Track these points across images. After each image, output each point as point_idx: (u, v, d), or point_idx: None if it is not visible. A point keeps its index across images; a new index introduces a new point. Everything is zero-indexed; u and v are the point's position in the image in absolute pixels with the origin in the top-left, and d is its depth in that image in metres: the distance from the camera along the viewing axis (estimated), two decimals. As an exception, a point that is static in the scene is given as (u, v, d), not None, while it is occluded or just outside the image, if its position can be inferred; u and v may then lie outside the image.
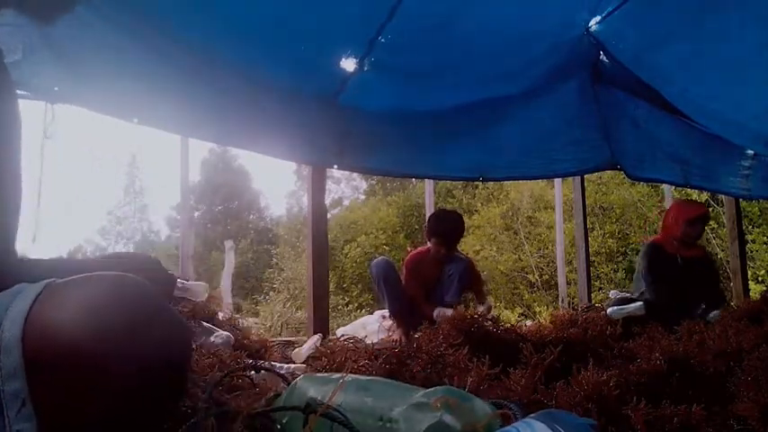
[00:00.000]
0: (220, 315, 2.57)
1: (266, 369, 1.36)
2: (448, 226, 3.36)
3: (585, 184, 4.56)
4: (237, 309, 10.41)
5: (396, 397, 0.90)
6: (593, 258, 10.10)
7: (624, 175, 4.03)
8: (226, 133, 2.88)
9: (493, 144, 3.56)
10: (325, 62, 2.72)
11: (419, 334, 1.88)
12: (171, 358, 0.63)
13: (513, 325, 2.26)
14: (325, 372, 1.40)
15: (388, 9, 2.33)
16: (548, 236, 11.72)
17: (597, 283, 10.48)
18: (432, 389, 0.91)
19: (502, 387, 1.38)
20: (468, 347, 1.60)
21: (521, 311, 11.05)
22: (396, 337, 3.17)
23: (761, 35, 2.32)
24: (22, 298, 0.59)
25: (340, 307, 11.74)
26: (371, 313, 3.80)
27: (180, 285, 2.51)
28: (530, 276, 12.17)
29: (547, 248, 11.84)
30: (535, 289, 12.01)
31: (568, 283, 7.75)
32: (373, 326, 3.44)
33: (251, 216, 23.59)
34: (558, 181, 7.23)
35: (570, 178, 4.82)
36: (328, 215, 3.70)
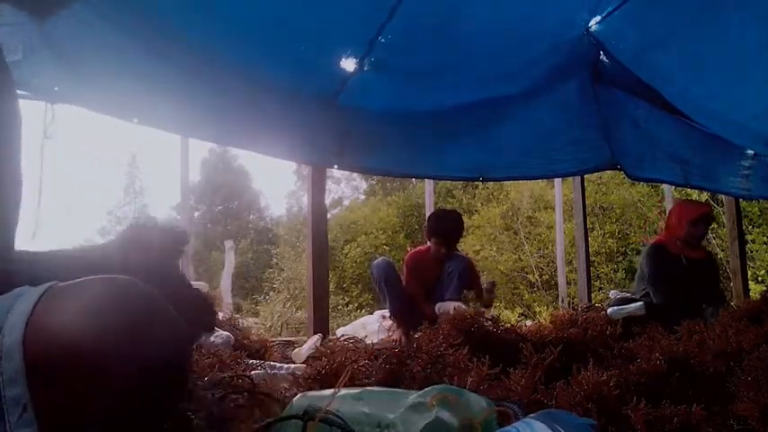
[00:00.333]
0: (220, 315, 2.57)
1: (262, 393, 1.34)
2: (448, 225, 3.37)
3: (585, 184, 4.56)
4: (237, 309, 10.40)
5: (391, 402, 0.90)
6: (593, 258, 10.09)
7: (624, 175, 4.04)
8: (226, 133, 2.88)
9: (493, 144, 3.56)
10: (326, 62, 2.72)
11: (419, 334, 1.88)
12: (171, 361, 0.63)
13: (513, 325, 2.26)
14: (325, 372, 1.40)
15: (388, 9, 2.33)
16: (548, 236, 11.72)
17: (597, 283, 10.48)
18: (427, 389, 0.91)
19: (502, 387, 1.38)
20: (468, 347, 1.60)
21: (521, 311, 11.04)
22: (396, 337, 3.17)
23: (761, 35, 2.32)
24: (22, 301, 0.59)
25: (340, 307, 11.74)
26: (371, 313, 3.80)
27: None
28: (530, 276, 12.17)
29: (547, 248, 11.84)
30: (535, 289, 12.01)
31: (568, 283, 7.75)
32: (373, 326, 3.44)
33: (251, 216, 23.59)
34: (557, 181, 7.24)
35: (570, 178, 4.82)
36: (328, 215, 3.70)
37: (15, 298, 0.60)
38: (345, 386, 0.97)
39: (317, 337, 2.93)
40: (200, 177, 22.52)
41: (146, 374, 0.58)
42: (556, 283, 9.13)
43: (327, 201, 3.59)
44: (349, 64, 2.73)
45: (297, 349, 2.73)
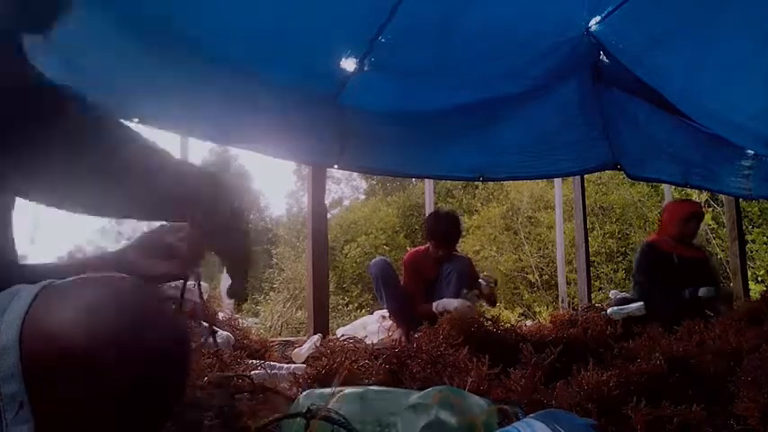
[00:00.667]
0: (220, 315, 2.57)
1: (272, 391, 1.36)
2: (445, 227, 3.37)
3: (585, 184, 4.56)
4: (237, 309, 10.40)
5: (392, 402, 0.91)
6: (593, 258, 10.09)
7: (624, 175, 4.04)
8: (226, 133, 2.88)
9: (493, 144, 3.56)
10: (326, 62, 2.72)
11: (419, 334, 1.88)
12: (170, 360, 0.63)
13: (513, 325, 2.26)
14: (325, 372, 1.40)
15: (388, 9, 2.33)
16: (548, 236, 11.71)
17: (597, 283, 10.48)
18: (428, 389, 0.91)
19: (502, 387, 1.38)
20: (469, 347, 1.60)
21: (521, 311, 11.04)
22: (396, 336, 3.17)
23: (761, 35, 2.32)
24: (19, 299, 0.59)
25: (340, 307, 11.73)
26: (371, 313, 3.79)
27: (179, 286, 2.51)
28: (530, 276, 12.17)
29: (547, 248, 11.83)
30: (535, 289, 12.00)
31: (568, 283, 7.75)
32: (373, 326, 3.43)
33: (251, 216, 23.58)
34: (557, 181, 7.23)
35: (570, 178, 4.82)
36: (328, 215, 3.70)
37: (12, 296, 0.60)
38: (348, 385, 0.98)
39: (316, 337, 2.92)
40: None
41: (143, 372, 0.58)
42: (556, 283, 9.12)
43: (327, 201, 3.59)
44: (349, 64, 2.73)
45: (297, 349, 2.73)
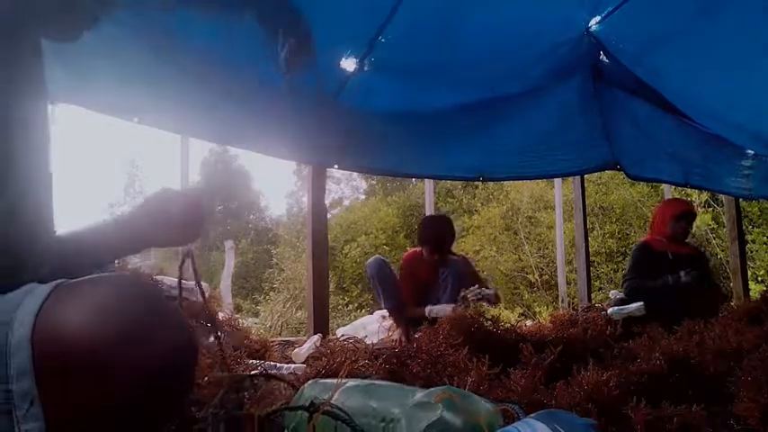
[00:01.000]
0: (220, 315, 2.57)
1: (276, 378, 1.37)
2: (437, 233, 3.36)
3: (585, 184, 4.56)
4: (237, 309, 10.40)
5: (397, 398, 0.92)
6: (593, 258, 10.09)
7: (624, 175, 4.04)
8: (226, 133, 2.88)
9: (493, 144, 3.56)
10: (326, 62, 2.72)
11: (419, 334, 1.88)
12: (178, 359, 0.63)
13: (513, 325, 2.26)
14: (325, 372, 1.41)
15: (389, 9, 2.33)
16: (548, 236, 11.71)
17: (597, 283, 10.48)
18: (432, 389, 0.92)
19: (502, 387, 1.38)
20: (468, 347, 1.60)
21: (521, 311, 11.03)
22: (396, 336, 3.17)
23: (761, 35, 2.32)
24: (31, 298, 0.60)
25: (340, 307, 11.73)
26: (371, 313, 3.79)
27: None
28: (530, 276, 12.17)
29: (547, 248, 11.83)
30: (535, 289, 12.00)
31: (568, 283, 7.74)
32: (373, 326, 3.43)
33: (251, 216, 23.57)
34: (557, 181, 7.22)
35: (570, 178, 4.82)
36: (328, 215, 3.70)
37: (24, 294, 0.60)
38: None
39: (316, 337, 2.92)
40: (199, 177, 22.51)
41: (152, 371, 0.59)
42: (556, 283, 9.12)
43: (327, 201, 3.59)
44: (349, 64, 2.73)
45: (297, 349, 2.72)
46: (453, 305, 2.99)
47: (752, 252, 8.96)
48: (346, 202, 18.60)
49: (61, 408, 0.56)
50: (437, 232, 3.36)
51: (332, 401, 0.87)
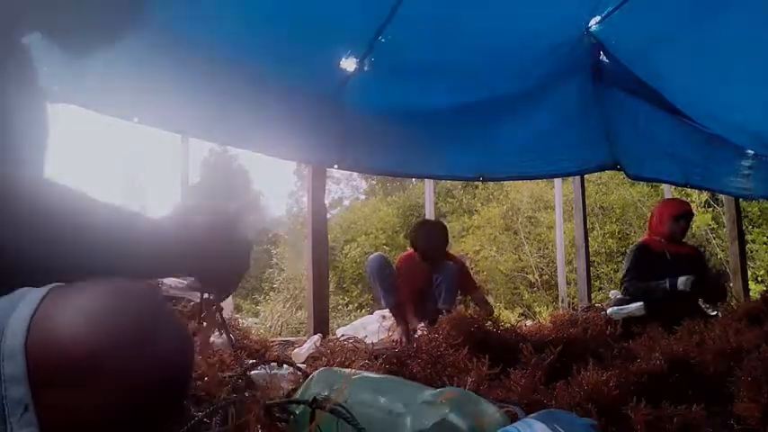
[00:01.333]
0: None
1: (288, 363, 1.39)
2: (429, 239, 3.36)
3: (585, 184, 4.56)
4: (237, 309, 10.40)
5: (406, 395, 0.93)
6: (593, 258, 10.08)
7: (624, 175, 4.03)
8: (226, 133, 2.88)
9: (493, 144, 3.56)
10: (326, 62, 2.72)
11: (419, 333, 1.88)
12: (174, 365, 0.63)
13: (513, 325, 2.26)
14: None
15: (389, 9, 2.33)
16: (548, 236, 11.70)
17: (597, 283, 10.47)
18: (441, 389, 0.93)
19: (502, 387, 1.38)
20: (468, 347, 1.60)
21: (521, 311, 11.03)
22: (396, 337, 3.16)
23: (760, 35, 2.33)
24: (26, 303, 0.59)
25: (340, 307, 11.72)
26: (371, 313, 3.79)
27: (180, 285, 2.51)
28: (530, 276, 12.16)
29: (547, 248, 11.82)
30: (535, 289, 11.99)
31: (568, 283, 7.73)
32: (373, 326, 3.43)
33: (251, 216, 23.55)
34: (557, 181, 7.21)
35: (570, 178, 4.82)
36: (328, 215, 3.70)
37: (19, 299, 0.60)
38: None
39: (316, 337, 2.92)
40: (200, 177, 22.47)
41: (148, 377, 0.58)
42: (556, 283, 9.12)
43: (327, 201, 3.59)
44: (349, 64, 2.73)
45: (297, 349, 2.72)
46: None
47: (752, 252, 8.96)
48: (346, 202, 18.60)
49: (56, 414, 0.56)
50: (427, 239, 3.35)
51: (336, 402, 0.87)
